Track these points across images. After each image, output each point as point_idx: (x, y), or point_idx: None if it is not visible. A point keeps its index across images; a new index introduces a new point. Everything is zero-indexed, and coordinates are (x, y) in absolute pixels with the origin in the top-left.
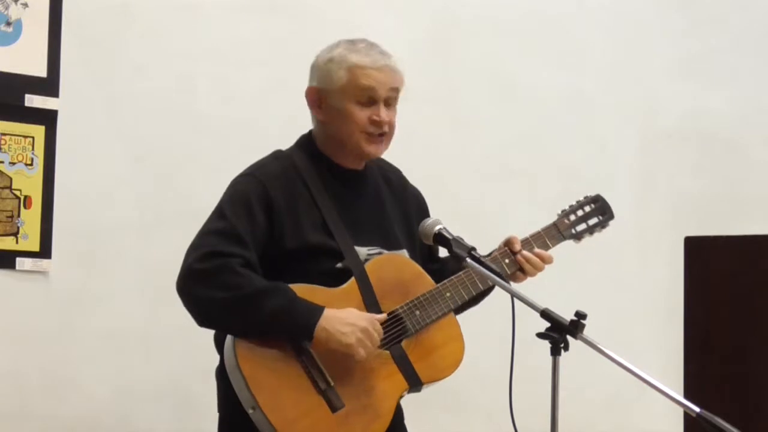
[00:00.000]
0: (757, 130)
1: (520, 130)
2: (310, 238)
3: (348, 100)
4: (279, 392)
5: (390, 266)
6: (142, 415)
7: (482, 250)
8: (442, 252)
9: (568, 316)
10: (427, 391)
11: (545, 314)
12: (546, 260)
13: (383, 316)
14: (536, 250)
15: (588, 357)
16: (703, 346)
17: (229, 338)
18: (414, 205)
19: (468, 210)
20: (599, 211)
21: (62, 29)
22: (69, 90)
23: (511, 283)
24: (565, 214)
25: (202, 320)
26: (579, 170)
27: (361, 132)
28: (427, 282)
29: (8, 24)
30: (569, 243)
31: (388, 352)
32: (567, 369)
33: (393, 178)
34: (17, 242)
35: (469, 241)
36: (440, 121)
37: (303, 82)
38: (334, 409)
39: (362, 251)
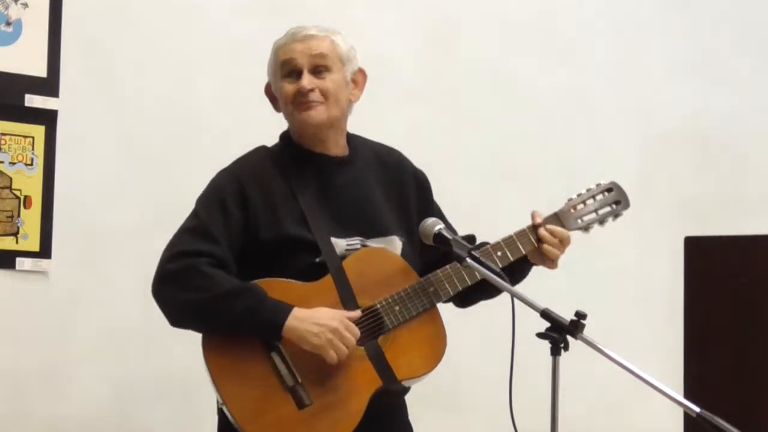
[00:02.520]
0: (757, 130)
1: (520, 130)
2: (285, 229)
3: (279, 81)
4: (244, 387)
5: (371, 261)
6: (142, 415)
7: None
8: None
9: (568, 316)
10: (426, 390)
11: (545, 314)
12: (563, 239)
13: (356, 313)
14: (550, 226)
15: (588, 357)
16: (703, 346)
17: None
18: (413, 185)
19: (468, 210)
20: (612, 199)
21: (62, 29)
22: (69, 90)
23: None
24: (572, 203)
25: (174, 321)
26: (579, 170)
27: (292, 105)
28: (411, 276)
29: (8, 24)
30: (572, 245)
31: (363, 348)
32: (567, 369)
33: (389, 160)
34: (17, 242)
35: None
36: (440, 121)
37: None
38: (301, 405)
39: (340, 244)
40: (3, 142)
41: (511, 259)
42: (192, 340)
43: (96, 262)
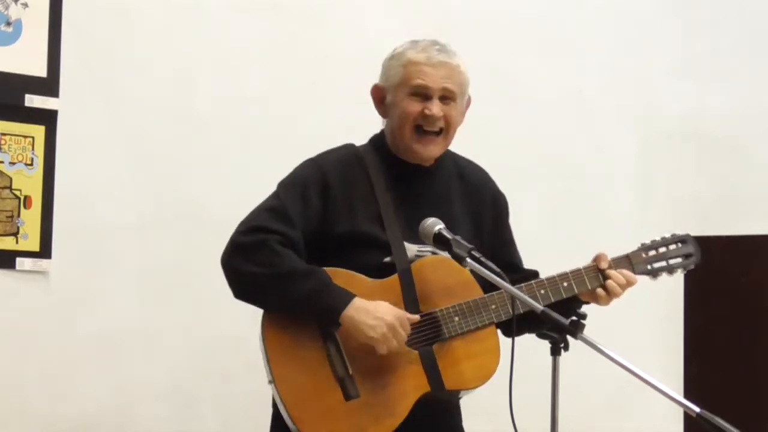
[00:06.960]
0: (757, 130)
1: (520, 130)
2: (360, 226)
3: (402, 95)
4: (297, 371)
5: (439, 269)
6: (142, 415)
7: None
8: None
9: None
10: None
11: (545, 314)
12: (630, 281)
13: (415, 317)
14: (622, 270)
15: (588, 357)
16: (703, 346)
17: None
18: (490, 205)
19: None
20: (684, 251)
21: (62, 29)
22: (69, 90)
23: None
24: (644, 248)
25: (238, 293)
26: (579, 170)
27: (412, 126)
28: (475, 290)
29: (8, 24)
30: (572, 245)
31: (417, 352)
32: (567, 369)
33: (472, 177)
34: (17, 242)
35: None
36: None
37: (303, 82)
38: (348, 397)
39: (412, 248)
40: (3, 142)
41: (576, 291)
42: (192, 340)
43: (96, 262)
